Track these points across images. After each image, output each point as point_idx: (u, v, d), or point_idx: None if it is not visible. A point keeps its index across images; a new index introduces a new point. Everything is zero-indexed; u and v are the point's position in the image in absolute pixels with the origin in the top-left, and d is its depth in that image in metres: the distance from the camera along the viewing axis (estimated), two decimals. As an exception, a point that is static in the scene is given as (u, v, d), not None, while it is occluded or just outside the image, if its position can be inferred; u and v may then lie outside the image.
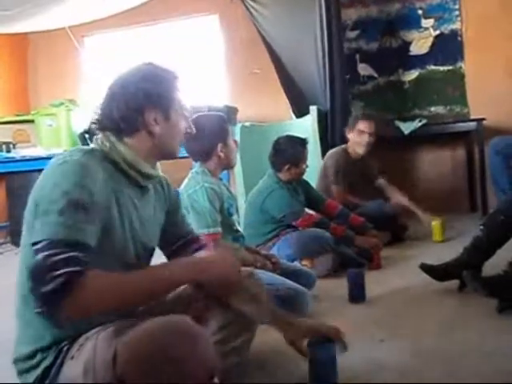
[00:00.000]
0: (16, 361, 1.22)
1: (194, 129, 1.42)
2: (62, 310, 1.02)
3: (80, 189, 1.12)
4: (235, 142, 2.21)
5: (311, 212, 3.00)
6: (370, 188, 3.62)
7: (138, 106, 1.26)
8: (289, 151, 2.80)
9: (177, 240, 1.49)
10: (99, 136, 1.29)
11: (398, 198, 3.54)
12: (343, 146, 3.59)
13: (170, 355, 1.05)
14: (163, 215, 1.45)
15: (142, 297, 1.16)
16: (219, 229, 2.00)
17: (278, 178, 2.85)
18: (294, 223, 2.76)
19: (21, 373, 1.22)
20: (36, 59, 5.49)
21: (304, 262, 2.66)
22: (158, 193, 1.42)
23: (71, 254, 1.04)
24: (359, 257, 2.81)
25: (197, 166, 2.16)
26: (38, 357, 1.19)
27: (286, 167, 2.81)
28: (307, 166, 2.89)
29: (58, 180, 1.13)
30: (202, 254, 1.48)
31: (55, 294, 1.01)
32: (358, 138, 3.47)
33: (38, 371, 1.18)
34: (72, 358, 1.16)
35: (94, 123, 1.31)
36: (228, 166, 2.22)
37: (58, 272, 1.01)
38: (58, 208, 1.08)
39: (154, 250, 1.42)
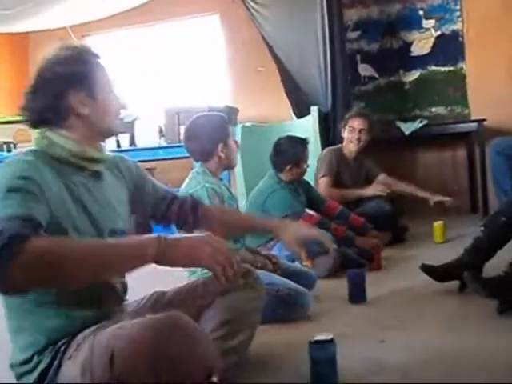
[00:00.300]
0: (13, 366, 1.21)
1: (126, 105, 1.39)
2: (5, 274, 0.94)
3: (24, 179, 1.08)
4: (235, 142, 2.21)
5: (311, 213, 2.99)
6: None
7: (59, 91, 1.22)
8: (290, 151, 2.81)
9: (162, 204, 1.49)
10: (35, 136, 1.26)
11: (404, 187, 3.51)
12: (339, 145, 3.59)
13: (168, 354, 1.04)
14: (127, 194, 1.41)
15: (87, 265, 1.02)
16: None
17: (279, 179, 2.84)
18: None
19: (18, 377, 1.21)
20: (37, 58, 5.44)
21: (304, 263, 2.66)
22: (114, 174, 1.38)
23: (17, 223, 0.98)
24: (360, 257, 2.80)
25: (197, 166, 2.16)
26: (35, 360, 1.18)
27: (288, 167, 2.81)
28: (308, 166, 2.88)
29: (2, 175, 1.10)
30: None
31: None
32: (349, 134, 3.47)
33: (35, 374, 1.17)
34: (70, 358, 1.15)
35: (25, 122, 1.27)
36: (228, 166, 2.22)
37: (1, 237, 0.95)
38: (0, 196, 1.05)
39: (124, 232, 1.36)
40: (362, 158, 3.57)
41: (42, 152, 1.21)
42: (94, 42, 5.41)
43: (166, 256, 1.04)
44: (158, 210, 1.50)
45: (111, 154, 1.40)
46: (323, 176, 3.39)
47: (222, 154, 2.12)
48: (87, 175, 1.27)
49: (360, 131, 3.44)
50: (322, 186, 3.36)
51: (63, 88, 1.22)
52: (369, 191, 3.38)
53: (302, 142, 2.85)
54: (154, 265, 1.06)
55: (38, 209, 1.06)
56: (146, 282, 1.71)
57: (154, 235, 1.05)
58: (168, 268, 1.09)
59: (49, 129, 1.23)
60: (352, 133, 3.46)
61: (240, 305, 1.47)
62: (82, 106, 1.24)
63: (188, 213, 1.52)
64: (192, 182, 2.08)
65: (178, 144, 3.86)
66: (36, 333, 1.17)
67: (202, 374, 1.12)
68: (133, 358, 1.05)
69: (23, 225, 0.99)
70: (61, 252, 0.99)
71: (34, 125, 1.26)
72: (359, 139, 3.44)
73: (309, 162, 2.90)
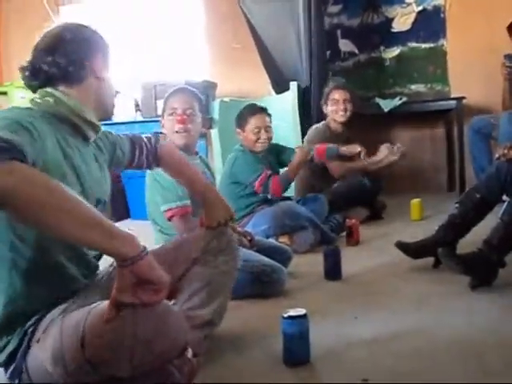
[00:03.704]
0: None
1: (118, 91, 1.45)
2: None
3: (21, 123, 1.05)
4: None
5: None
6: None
7: (84, 52, 1.28)
8: (237, 115, 2.90)
9: (130, 156, 1.52)
10: (36, 95, 1.25)
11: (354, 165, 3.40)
12: (324, 121, 3.56)
13: (139, 334, 1.04)
14: (107, 163, 1.43)
15: (56, 212, 0.93)
16: (188, 202, 1.96)
17: (242, 147, 2.87)
18: (255, 187, 2.75)
19: None
20: (8, 30, 5.31)
21: (282, 240, 2.65)
22: (99, 148, 1.40)
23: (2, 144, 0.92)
24: (331, 232, 2.87)
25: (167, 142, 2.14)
26: (4, 340, 1.17)
27: (237, 131, 2.88)
28: (270, 139, 2.85)
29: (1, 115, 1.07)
30: None
31: None
32: (335, 106, 3.45)
33: (4, 356, 1.17)
34: (38, 340, 1.14)
35: (31, 78, 1.27)
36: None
37: None
38: None
39: (106, 202, 1.37)
40: (347, 132, 3.54)
41: (40, 110, 1.20)
42: (68, 12, 5.25)
43: (134, 266, 0.97)
44: (128, 161, 1.53)
45: None
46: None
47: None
48: (81, 139, 1.28)
49: (344, 101, 3.44)
50: (332, 167, 3.31)
51: (87, 50, 1.28)
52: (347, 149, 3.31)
53: (250, 108, 2.87)
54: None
55: (27, 148, 0.99)
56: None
57: (140, 244, 0.99)
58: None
59: (54, 89, 1.25)
60: (336, 104, 3.44)
61: (214, 271, 1.44)
62: (101, 70, 1.31)
63: (148, 156, 1.55)
64: None
65: (154, 118, 3.80)
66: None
67: (175, 352, 1.12)
68: (103, 341, 1.04)
69: (7, 148, 0.92)
70: (37, 187, 0.91)
71: (41, 85, 1.26)
72: (345, 109, 3.44)
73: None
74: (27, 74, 1.27)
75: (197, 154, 2.24)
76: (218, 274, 1.44)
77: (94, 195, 1.29)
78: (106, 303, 1.04)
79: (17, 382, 1.17)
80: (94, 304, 1.13)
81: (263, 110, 2.86)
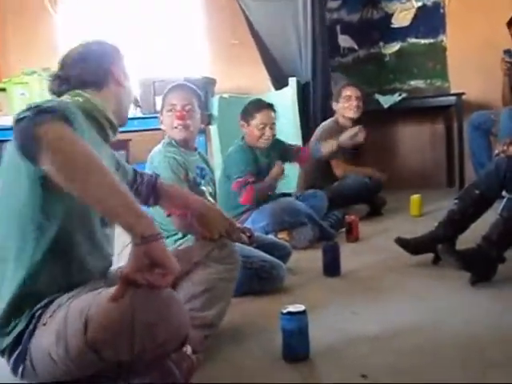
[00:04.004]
0: None
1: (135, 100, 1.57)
2: (32, 132, 1.02)
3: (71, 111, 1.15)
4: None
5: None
6: (358, 160, 3.60)
7: (108, 61, 1.44)
8: (243, 108, 2.87)
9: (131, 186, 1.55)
10: (66, 96, 1.36)
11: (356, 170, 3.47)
12: (331, 118, 3.56)
13: (143, 320, 1.05)
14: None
15: (93, 174, 1.03)
16: None
17: (243, 141, 2.86)
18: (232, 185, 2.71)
19: None
20: (6, 25, 5.29)
21: (281, 236, 2.65)
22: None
23: (52, 107, 1.07)
24: (331, 228, 2.86)
25: (165, 138, 2.15)
26: (12, 324, 1.19)
27: (241, 124, 2.85)
28: (274, 136, 2.85)
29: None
30: None
31: (28, 119, 1.04)
32: (347, 103, 3.48)
33: (10, 338, 1.19)
34: (44, 324, 1.16)
35: (60, 84, 1.40)
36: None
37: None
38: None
39: None
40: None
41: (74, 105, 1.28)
42: (67, 7, 5.22)
43: (148, 246, 1.01)
44: (129, 182, 1.57)
45: None
46: (335, 157, 3.35)
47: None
48: (102, 139, 1.38)
49: (356, 98, 3.48)
50: (335, 165, 3.35)
51: (110, 59, 1.45)
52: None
53: (258, 103, 2.86)
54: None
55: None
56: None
57: (157, 227, 1.06)
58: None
59: (83, 91, 1.38)
60: (349, 101, 3.48)
61: (216, 277, 1.47)
62: (121, 77, 1.46)
63: (148, 191, 1.60)
64: (155, 154, 2.07)
65: (153, 115, 3.78)
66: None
67: (176, 342, 1.13)
68: (106, 323, 1.06)
69: (55, 111, 1.07)
70: (78, 148, 1.04)
71: (69, 89, 1.38)
72: (358, 106, 3.48)
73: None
74: (57, 82, 1.41)
75: (195, 149, 2.24)
76: (219, 280, 1.47)
77: None
78: (112, 289, 1.06)
79: (21, 369, 1.19)
80: (100, 290, 1.16)
81: (270, 107, 2.85)
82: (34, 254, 1.18)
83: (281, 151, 3.00)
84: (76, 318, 1.10)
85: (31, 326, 1.17)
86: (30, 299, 1.19)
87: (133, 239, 1.02)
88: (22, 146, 1.05)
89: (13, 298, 1.19)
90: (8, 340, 1.19)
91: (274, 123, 2.84)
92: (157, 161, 2.03)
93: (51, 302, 1.19)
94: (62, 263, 1.22)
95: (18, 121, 1.05)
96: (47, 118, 1.04)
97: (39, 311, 1.18)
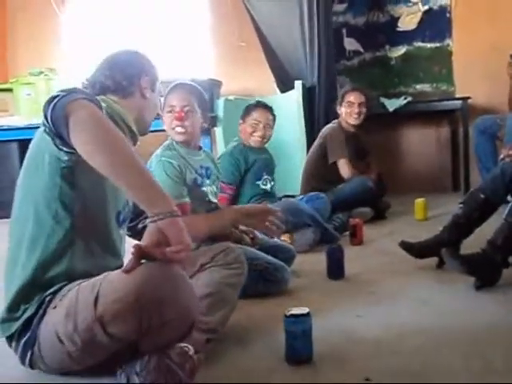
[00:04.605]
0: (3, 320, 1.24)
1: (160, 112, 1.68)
2: (63, 109, 1.09)
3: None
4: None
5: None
6: (361, 163, 3.60)
7: (135, 72, 1.48)
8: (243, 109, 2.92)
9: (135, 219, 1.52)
10: None
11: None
12: (335, 120, 3.56)
13: (153, 296, 1.07)
14: None
15: (118, 152, 1.11)
16: (186, 199, 1.94)
17: (237, 140, 2.89)
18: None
19: (3, 324, 1.23)
20: (14, 26, 5.32)
21: (283, 238, 2.65)
22: None
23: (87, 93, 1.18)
24: (335, 231, 2.85)
25: (169, 139, 2.14)
26: (21, 308, 1.21)
27: (239, 122, 2.90)
28: (266, 137, 2.86)
29: None
30: None
31: (61, 96, 1.12)
32: (349, 108, 3.46)
33: (19, 323, 1.21)
34: (54, 307, 1.18)
35: (86, 88, 1.45)
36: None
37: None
38: None
39: (125, 221, 1.43)
40: (359, 132, 3.55)
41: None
42: (73, 7, 5.25)
43: (164, 222, 1.07)
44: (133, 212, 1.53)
45: None
46: (342, 157, 3.37)
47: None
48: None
49: (359, 105, 3.45)
50: (344, 167, 3.36)
51: (138, 70, 1.49)
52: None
53: (257, 102, 2.91)
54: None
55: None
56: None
57: (174, 206, 1.11)
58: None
59: (107, 97, 1.43)
60: (351, 107, 3.45)
61: (221, 282, 1.48)
62: (147, 88, 1.50)
63: None
64: (153, 158, 2.04)
65: (158, 117, 3.78)
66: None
67: (184, 324, 1.15)
68: (116, 298, 1.08)
69: (87, 94, 1.18)
70: (109, 130, 1.12)
71: (97, 94, 1.41)
72: (359, 113, 3.45)
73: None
74: (85, 86, 1.46)
75: (200, 148, 2.21)
76: (225, 285, 1.48)
77: (117, 207, 1.37)
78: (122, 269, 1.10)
79: (28, 356, 1.20)
80: (111, 271, 1.19)
81: (267, 107, 2.87)
82: (49, 241, 1.21)
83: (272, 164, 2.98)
84: (88, 293, 1.13)
85: (41, 311, 1.19)
86: (41, 286, 1.21)
87: (151, 215, 1.07)
88: (54, 120, 1.11)
89: (24, 285, 1.21)
90: (17, 325, 1.21)
91: (269, 124, 2.87)
92: (154, 164, 2.00)
93: (61, 288, 1.21)
94: (74, 253, 1.24)
95: (52, 98, 1.12)
96: (80, 97, 1.13)
97: (49, 296, 1.20)
